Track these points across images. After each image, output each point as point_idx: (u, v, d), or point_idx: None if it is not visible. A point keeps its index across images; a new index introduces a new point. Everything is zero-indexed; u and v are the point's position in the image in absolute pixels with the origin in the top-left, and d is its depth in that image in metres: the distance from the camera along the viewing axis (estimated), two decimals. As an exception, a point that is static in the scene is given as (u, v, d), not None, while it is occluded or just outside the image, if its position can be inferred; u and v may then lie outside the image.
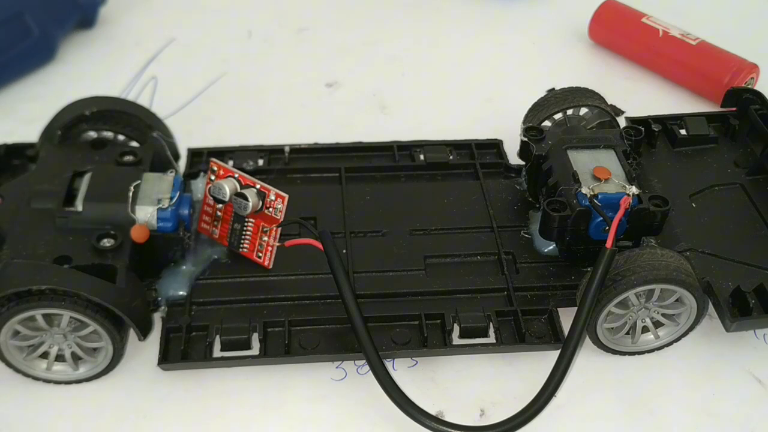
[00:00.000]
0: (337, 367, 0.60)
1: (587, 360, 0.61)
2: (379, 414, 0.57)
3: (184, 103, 0.84)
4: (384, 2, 1.02)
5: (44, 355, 0.57)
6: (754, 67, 0.85)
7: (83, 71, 0.89)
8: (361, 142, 0.74)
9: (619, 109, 0.83)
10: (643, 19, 0.91)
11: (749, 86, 0.84)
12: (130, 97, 0.80)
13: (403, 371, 0.60)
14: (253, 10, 1.00)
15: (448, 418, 0.57)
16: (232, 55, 0.92)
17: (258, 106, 0.85)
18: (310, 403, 0.58)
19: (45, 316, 0.55)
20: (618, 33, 0.93)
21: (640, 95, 0.88)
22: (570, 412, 0.58)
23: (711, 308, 0.62)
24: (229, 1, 1.02)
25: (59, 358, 0.57)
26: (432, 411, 0.56)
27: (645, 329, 0.61)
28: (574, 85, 0.73)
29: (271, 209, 0.61)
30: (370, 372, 0.55)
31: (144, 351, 0.60)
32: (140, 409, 0.57)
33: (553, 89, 0.74)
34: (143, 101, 0.82)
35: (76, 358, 0.57)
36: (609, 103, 0.75)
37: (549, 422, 0.57)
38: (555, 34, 0.97)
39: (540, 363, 0.59)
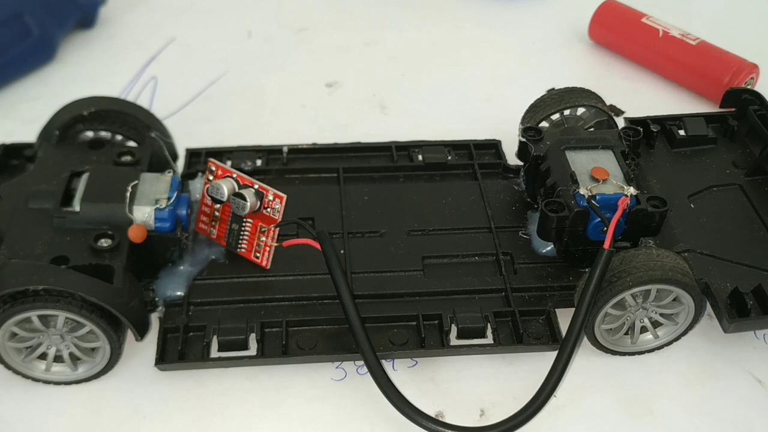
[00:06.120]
0: (337, 367, 0.60)
1: (587, 360, 0.61)
2: (379, 414, 0.57)
3: (185, 103, 0.84)
4: (384, 2, 1.02)
5: (43, 356, 0.57)
6: (754, 67, 0.85)
7: (83, 71, 0.89)
8: (359, 143, 0.74)
9: (619, 110, 0.83)
10: (643, 19, 0.91)
11: (749, 86, 0.84)
12: (130, 98, 0.81)
13: (403, 371, 0.60)
14: (253, 10, 1.00)
15: (448, 418, 0.57)
16: (232, 55, 0.92)
17: (257, 106, 0.85)
18: (309, 403, 0.58)
19: (41, 317, 0.55)
20: (618, 33, 0.93)
21: (640, 95, 0.88)
22: (570, 413, 0.58)
23: (710, 308, 0.62)
24: (229, 1, 1.02)
25: (58, 358, 0.57)
26: (432, 411, 0.56)
27: (644, 329, 0.61)
28: (573, 86, 0.73)
29: (269, 209, 0.61)
30: (370, 372, 0.56)
31: (144, 351, 0.60)
32: (139, 409, 0.57)
33: (553, 89, 0.74)
34: (143, 101, 0.83)
35: (74, 359, 0.57)
36: (609, 103, 0.75)
37: (548, 422, 0.57)
38: (555, 34, 0.97)
39: (541, 363, 0.59)
